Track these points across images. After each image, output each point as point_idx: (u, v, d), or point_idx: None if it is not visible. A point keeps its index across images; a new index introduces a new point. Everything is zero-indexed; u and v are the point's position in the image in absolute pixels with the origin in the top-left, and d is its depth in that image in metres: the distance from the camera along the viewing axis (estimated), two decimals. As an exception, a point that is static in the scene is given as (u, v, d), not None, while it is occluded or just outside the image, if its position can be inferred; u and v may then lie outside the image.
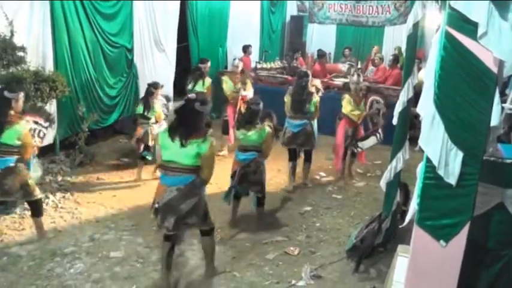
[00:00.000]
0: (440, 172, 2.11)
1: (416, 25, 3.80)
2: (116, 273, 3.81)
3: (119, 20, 7.20)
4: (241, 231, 4.62)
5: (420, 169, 2.31)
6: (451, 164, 2.10)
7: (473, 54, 1.98)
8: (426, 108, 2.21)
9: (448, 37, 2.01)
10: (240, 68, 7.19)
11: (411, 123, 4.25)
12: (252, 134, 4.48)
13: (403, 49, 4.66)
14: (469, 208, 2.14)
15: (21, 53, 5.28)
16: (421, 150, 2.24)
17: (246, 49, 9.85)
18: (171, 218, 3.37)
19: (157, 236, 4.41)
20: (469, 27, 1.95)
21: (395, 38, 11.35)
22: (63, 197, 5.29)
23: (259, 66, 9.80)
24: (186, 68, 8.69)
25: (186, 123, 3.31)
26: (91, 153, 6.51)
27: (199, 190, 3.45)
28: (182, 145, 3.26)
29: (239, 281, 3.77)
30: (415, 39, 3.93)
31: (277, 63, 10.34)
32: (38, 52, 5.98)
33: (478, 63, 1.98)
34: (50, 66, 6.07)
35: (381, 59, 9.74)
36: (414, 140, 4.63)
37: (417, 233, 2.28)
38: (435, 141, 2.12)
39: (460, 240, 2.14)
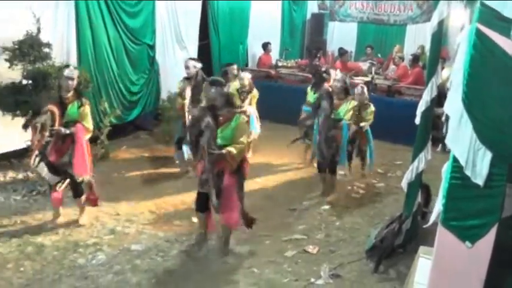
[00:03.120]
0: (468, 172, 2.08)
1: (441, 23, 3.75)
2: (137, 265, 3.86)
3: (142, 17, 7.28)
4: (260, 228, 4.61)
5: (446, 169, 2.28)
6: (478, 165, 2.06)
7: (505, 52, 1.94)
8: (454, 107, 2.17)
9: (479, 35, 1.97)
10: (246, 82, 6.48)
11: (433, 123, 4.18)
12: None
13: (427, 48, 4.59)
14: (497, 209, 2.11)
15: (46, 49, 5.39)
16: (443, 151, 2.21)
17: (265, 47, 9.85)
18: None
19: (177, 231, 4.48)
20: (501, 24, 1.91)
21: (417, 37, 11.21)
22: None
23: (279, 64, 9.78)
24: (206, 65, 8.71)
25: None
26: (112, 148, 6.61)
27: None
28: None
29: (258, 277, 3.77)
30: (440, 37, 3.87)
31: (299, 62, 10.31)
32: (62, 48, 6.11)
33: (510, 62, 1.94)
34: (73, 62, 6.16)
35: (401, 58, 9.62)
36: (436, 141, 4.60)
37: (442, 233, 2.25)
38: (463, 141, 2.09)
39: (488, 241, 2.10)
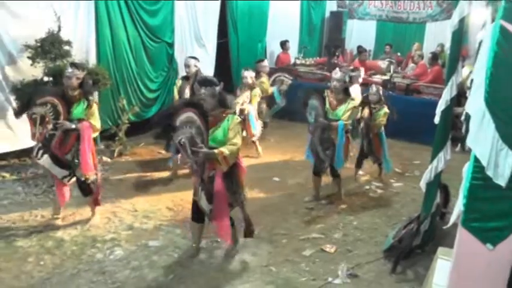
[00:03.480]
0: (489, 173, 2.04)
1: (462, 21, 3.70)
2: (154, 261, 3.89)
3: (161, 15, 7.33)
4: (277, 227, 4.62)
5: (467, 169, 2.24)
6: (501, 165, 2.02)
7: (530, 50, 1.89)
8: (475, 106, 2.14)
9: (503, 32, 1.93)
10: (249, 81, 6.58)
11: (452, 123, 4.11)
12: None
13: (447, 46, 4.53)
14: (520, 211, 2.06)
15: (67, 47, 5.48)
16: (462, 151, 2.17)
17: (283, 45, 9.83)
18: None
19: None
20: (527, 21, 1.87)
21: (436, 35, 11.02)
22: (103, 186, 5.43)
23: (298, 62, 9.75)
24: (225, 63, 8.76)
25: None
26: (130, 145, 6.68)
27: None
28: None
29: (275, 275, 3.77)
30: (461, 35, 3.81)
31: (317, 60, 10.27)
32: (82, 46, 6.19)
33: (535, 60, 1.89)
34: (93, 60, 6.27)
35: (420, 56, 9.50)
36: (455, 140, 4.55)
37: (462, 234, 2.21)
38: (484, 141, 2.05)
39: (510, 244, 2.06)
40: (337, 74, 5.02)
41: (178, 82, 5.90)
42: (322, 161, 4.98)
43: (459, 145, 6.71)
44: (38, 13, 5.48)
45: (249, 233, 3.98)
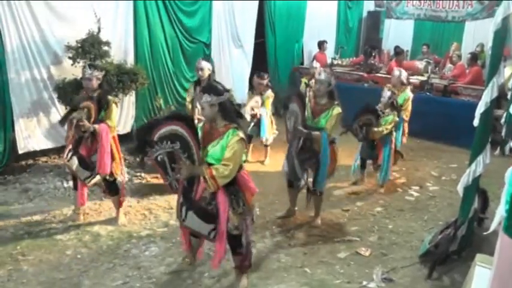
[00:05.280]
0: (534, 178, 1.97)
1: (505, 20, 3.58)
2: (189, 259, 3.93)
3: (198, 16, 7.44)
4: (313, 228, 4.61)
5: (510, 173, 2.17)
6: (547, 170, 1.95)
7: None
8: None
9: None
10: (318, 69, 6.95)
11: (492, 125, 3.99)
12: None
13: (488, 46, 4.39)
14: None
15: (106, 48, 5.62)
16: (502, 155, 2.09)
17: (320, 45, 9.82)
18: None
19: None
20: None
21: (476, 34, 10.67)
22: (139, 183, 5.57)
23: (335, 62, 9.69)
24: (261, 63, 8.79)
25: None
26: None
27: None
28: None
29: (309, 277, 3.75)
30: (504, 35, 3.69)
31: (353, 60, 10.18)
32: (120, 47, 6.37)
33: None
34: (131, 60, 6.42)
35: (459, 57, 9.25)
36: (494, 144, 4.45)
37: (504, 242, 2.14)
38: (530, 145, 1.98)
39: (555, 252, 1.99)
40: (321, 75, 4.40)
41: (191, 89, 5.55)
42: (297, 177, 4.44)
43: (498, 148, 6.50)
44: (82, 14, 5.67)
45: (243, 267, 3.49)
